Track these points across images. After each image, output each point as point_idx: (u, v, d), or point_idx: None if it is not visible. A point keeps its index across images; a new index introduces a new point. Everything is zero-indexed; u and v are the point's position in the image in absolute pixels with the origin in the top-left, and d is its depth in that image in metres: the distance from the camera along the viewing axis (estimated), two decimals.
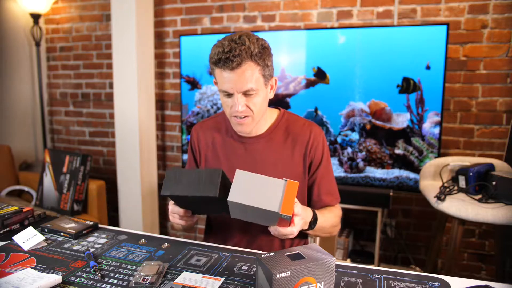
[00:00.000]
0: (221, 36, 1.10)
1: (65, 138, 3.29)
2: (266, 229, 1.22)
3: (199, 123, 1.32)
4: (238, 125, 1.13)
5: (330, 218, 1.19)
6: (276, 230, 0.94)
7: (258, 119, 1.14)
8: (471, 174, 1.68)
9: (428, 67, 2.01)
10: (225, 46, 1.04)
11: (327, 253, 0.82)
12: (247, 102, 1.08)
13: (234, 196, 0.86)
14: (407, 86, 1.99)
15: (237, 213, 0.94)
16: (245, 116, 1.11)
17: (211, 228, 1.33)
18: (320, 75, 2.15)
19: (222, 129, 1.26)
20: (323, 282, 0.80)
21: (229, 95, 1.08)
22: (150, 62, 2.74)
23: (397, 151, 2.16)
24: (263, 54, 1.06)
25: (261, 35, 1.12)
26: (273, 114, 1.25)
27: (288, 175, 1.19)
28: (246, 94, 1.07)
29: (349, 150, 2.25)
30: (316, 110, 2.21)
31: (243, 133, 1.19)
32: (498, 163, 1.84)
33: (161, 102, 2.94)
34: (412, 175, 2.15)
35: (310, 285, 0.79)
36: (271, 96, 1.17)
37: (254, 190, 0.86)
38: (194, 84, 2.52)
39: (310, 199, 1.25)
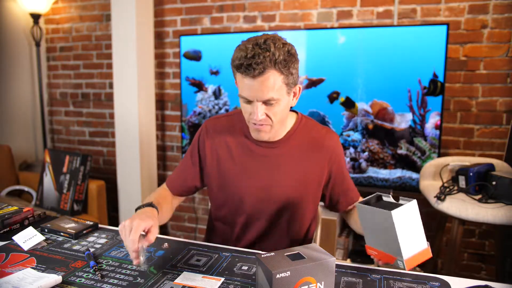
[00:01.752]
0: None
1: (65, 138, 3.29)
2: (264, 243, 1.22)
3: (212, 119, 1.26)
4: (256, 131, 1.10)
5: None
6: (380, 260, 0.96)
7: (277, 127, 1.11)
8: (471, 174, 1.68)
9: (435, 76, 2.01)
10: (248, 50, 0.98)
11: (327, 253, 0.82)
12: (267, 111, 1.04)
13: (396, 216, 0.89)
14: (434, 88, 1.97)
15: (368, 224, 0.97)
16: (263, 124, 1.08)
17: (212, 235, 1.33)
18: (348, 104, 2.14)
19: (237, 130, 1.20)
20: (323, 282, 0.80)
21: (249, 101, 1.04)
22: (150, 62, 2.74)
23: (399, 151, 2.16)
24: (288, 62, 1.00)
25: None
26: (292, 118, 1.21)
27: (305, 181, 1.18)
28: (266, 103, 1.02)
29: (352, 150, 2.25)
30: (336, 92, 2.19)
31: (260, 139, 1.14)
32: (498, 163, 1.84)
33: (161, 102, 2.94)
34: (414, 175, 2.15)
35: (310, 285, 0.79)
36: (294, 103, 1.12)
37: (409, 228, 0.92)
38: (200, 86, 2.52)
39: (344, 205, 1.28)
